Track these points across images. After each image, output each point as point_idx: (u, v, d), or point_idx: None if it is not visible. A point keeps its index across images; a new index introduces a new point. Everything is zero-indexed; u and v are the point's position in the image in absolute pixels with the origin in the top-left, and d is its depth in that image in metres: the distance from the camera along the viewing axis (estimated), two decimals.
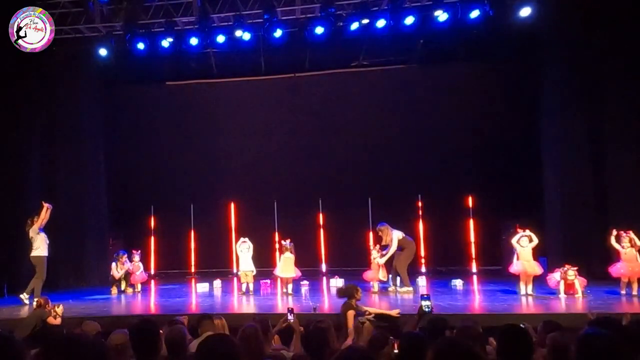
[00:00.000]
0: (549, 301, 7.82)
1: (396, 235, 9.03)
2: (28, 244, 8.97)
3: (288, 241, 9.45)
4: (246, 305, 8.37)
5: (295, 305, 7.43)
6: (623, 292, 8.05)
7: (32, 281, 8.84)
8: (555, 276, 8.20)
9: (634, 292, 7.94)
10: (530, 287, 8.26)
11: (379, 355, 3.31)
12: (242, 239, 9.65)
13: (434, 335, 3.44)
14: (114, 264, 10.22)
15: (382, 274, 9.13)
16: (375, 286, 9.17)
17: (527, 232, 8.44)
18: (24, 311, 8.03)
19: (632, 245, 8.02)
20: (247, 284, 9.40)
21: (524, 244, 8.35)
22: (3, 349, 2.05)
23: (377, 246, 9.33)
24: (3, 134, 10.51)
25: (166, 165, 12.96)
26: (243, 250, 9.49)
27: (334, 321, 4.74)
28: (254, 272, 9.50)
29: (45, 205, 9.02)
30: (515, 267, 8.43)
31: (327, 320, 4.42)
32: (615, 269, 8.18)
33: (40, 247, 8.93)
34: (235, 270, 11.60)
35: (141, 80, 12.63)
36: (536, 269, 8.31)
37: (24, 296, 8.76)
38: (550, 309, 7.37)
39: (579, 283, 8.04)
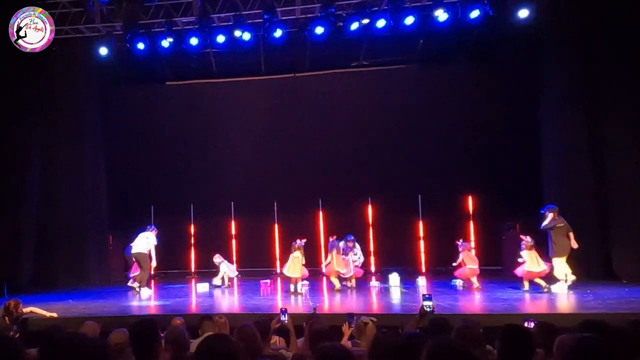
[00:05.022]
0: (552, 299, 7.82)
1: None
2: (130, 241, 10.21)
3: (299, 241, 9.64)
4: (246, 305, 8.36)
5: (295, 305, 7.43)
6: (526, 289, 8.65)
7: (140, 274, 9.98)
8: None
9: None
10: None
11: None
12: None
13: (435, 335, 3.43)
14: (153, 236, 10.12)
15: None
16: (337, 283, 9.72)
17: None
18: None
19: (528, 247, 8.67)
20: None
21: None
22: (3, 349, 2.05)
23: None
24: (3, 134, 10.51)
25: (166, 166, 12.96)
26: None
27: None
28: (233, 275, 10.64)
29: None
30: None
31: (321, 320, 4.45)
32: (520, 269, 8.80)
33: (138, 244, 9.97)
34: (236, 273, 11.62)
35: (141, 80, 12.65)
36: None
37: (136, 285, 9.95)
38: (552, 309, 7.38)
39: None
